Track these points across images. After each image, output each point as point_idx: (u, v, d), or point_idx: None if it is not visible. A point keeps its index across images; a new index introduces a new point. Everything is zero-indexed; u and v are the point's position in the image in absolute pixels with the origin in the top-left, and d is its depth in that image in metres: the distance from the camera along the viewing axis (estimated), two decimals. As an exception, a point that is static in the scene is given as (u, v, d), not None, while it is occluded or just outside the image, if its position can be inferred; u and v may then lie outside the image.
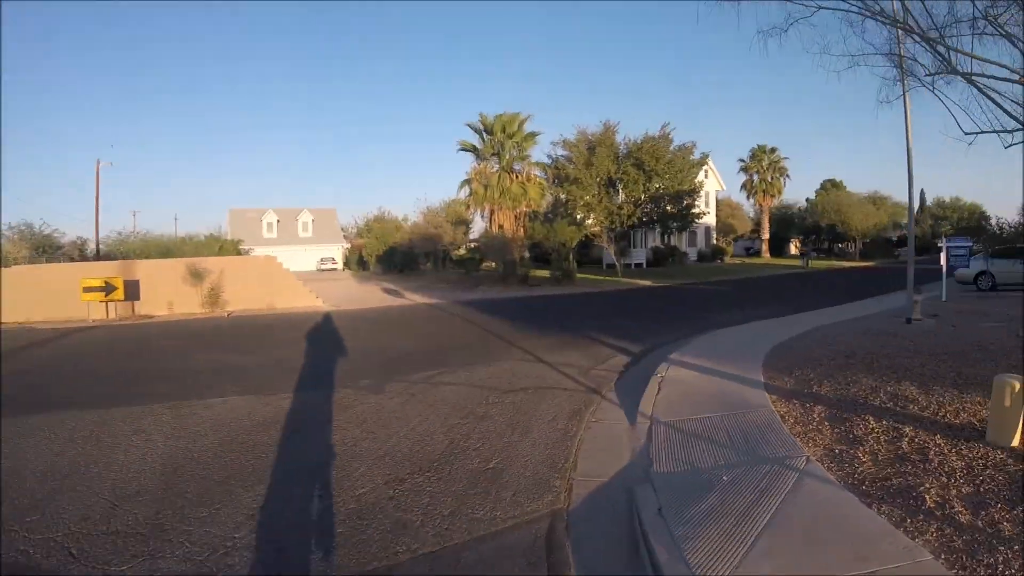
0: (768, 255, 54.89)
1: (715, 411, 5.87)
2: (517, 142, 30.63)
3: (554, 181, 33.57)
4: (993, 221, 43.93)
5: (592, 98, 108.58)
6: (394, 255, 39.07)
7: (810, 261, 42.38)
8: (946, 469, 4.01)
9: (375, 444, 5.39)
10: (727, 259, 49.29)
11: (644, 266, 38.14)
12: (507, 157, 30.64)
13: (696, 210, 35.64)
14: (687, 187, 33.58)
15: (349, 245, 53.82)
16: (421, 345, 11.20)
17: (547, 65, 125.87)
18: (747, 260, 51.01)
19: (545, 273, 29.58)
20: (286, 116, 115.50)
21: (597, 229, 32.07)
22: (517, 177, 30.28)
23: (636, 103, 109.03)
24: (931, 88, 5.85)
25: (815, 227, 55.09)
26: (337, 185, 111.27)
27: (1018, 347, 7.81)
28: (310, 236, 56.19)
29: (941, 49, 5.29)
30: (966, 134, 5.71)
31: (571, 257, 28.51)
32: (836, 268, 39.14)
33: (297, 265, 48.93)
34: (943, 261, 13.60)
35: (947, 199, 67.91)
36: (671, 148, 32.72)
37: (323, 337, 12.76)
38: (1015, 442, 4.50)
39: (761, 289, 24.21)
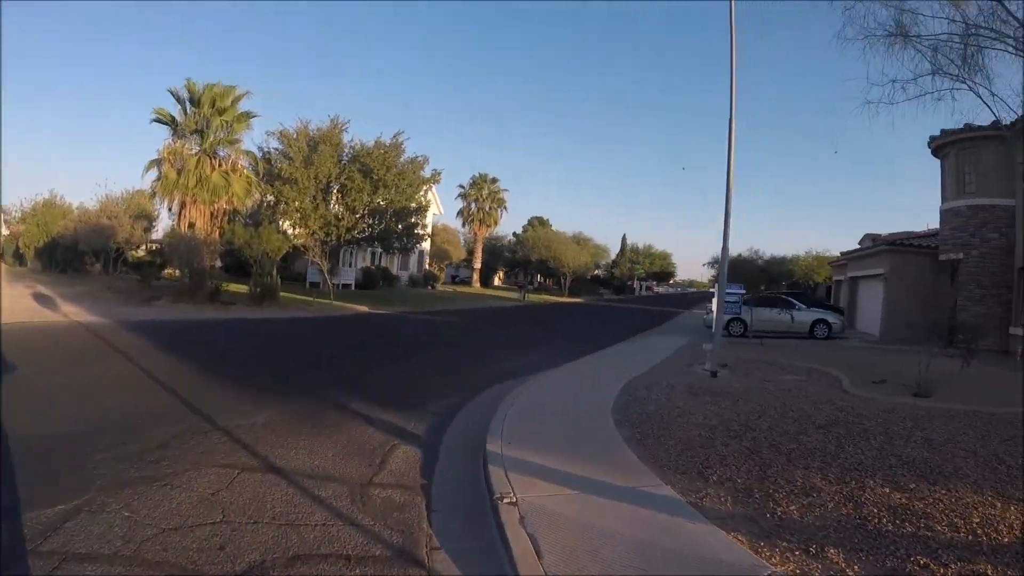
0: (479, 285, 57.24)
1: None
2: (228, 121, 25.70)
3: (264, 178, 28.78)
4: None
5: (315, 96, 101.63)
6: (56, 250, 32.68)
7: (527, 294, 44.84)
8: None
9: None
10: (439, 286, 49.54)
11: (353, 287, 35.37)
12: (212, 138, 25.44)
13: (421, 231, 34.14)
14: (415, 204, 31.83)
15: (8, 232, 41.86)
16: (51, 422, 5.99)
17: (271, 48, 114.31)
18: (458, 288, 52.27)
19: (241, 288, 24.66)
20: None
21: (309, 240, 27.79)
22: (221, 165, 25.32)
23: (366, 113, 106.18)
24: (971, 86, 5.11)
25: (525, 260, 59.49)
26: (8, 152, 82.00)
27: (884, 410, 7.15)
28: (-37, 216, 41.89)
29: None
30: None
31: (275, 271, 23.84)
32: (553, 302, 42.34)
33: (-58, 252, 37.85)
34: (714, 307, 13.89)
35: (641, 246, 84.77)
36: (402, 159, 30.71)
37: None
38: None
39: (503, 324, 23.60)
